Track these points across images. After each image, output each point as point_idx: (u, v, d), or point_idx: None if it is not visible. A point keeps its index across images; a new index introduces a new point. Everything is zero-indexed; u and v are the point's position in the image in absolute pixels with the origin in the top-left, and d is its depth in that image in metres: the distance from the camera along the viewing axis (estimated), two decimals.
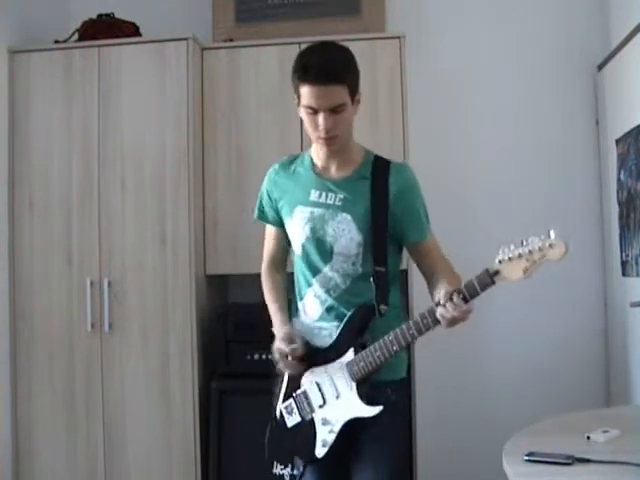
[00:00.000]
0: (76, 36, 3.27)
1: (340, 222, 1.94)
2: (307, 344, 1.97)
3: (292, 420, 2.03)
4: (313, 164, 2.03)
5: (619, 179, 3.02)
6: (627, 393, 3.01)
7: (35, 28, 3.31)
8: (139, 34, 3.28)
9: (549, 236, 1.63)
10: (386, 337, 1.86)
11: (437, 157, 3.38)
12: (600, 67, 3.29)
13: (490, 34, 3.44)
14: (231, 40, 3.28)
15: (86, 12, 3.30)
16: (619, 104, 3.07)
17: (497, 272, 1.69)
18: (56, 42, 3.24)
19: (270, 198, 2.08)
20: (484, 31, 3.44)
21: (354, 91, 1.89)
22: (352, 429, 1.93)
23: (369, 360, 1.88)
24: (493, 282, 1.70)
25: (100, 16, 3.27)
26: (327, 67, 1.83)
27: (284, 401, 2.05)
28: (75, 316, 3.06)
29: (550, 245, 1.63)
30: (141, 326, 3.02)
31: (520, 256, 1.66)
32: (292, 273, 2.09)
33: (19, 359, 3.08)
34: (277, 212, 2.07)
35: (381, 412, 1.88)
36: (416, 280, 2.69)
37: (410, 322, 1.84)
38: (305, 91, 1.85)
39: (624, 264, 2.99)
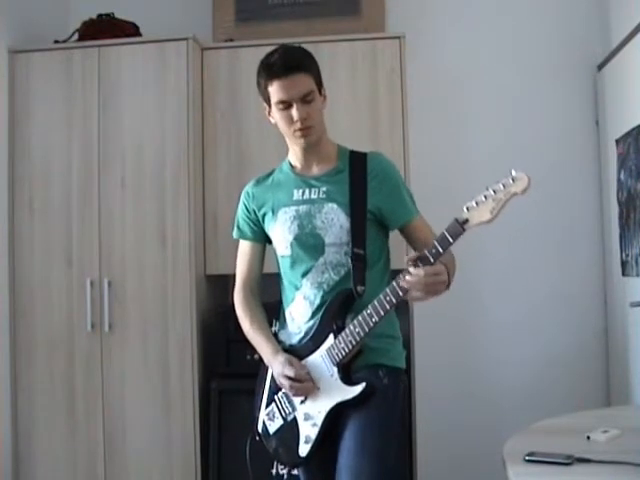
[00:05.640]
0: (76, 36, 3.27)
1: (327, 212, 1.95)
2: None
3: (274, 426, 2.01)
4: (292, 167, 2.06)
5: (619, 179, 3.02)
6: (627, 393, 3.01)
7: (35, 28, 3.31)
8: (139, 34, 3.28)
9: (511, 174, 1.66)
10: (364, 311, 1.84)
11: (437, 157, 3.39)
12: (600, 67, 3.29)
13: (490, 34, 3.44)
14: (231, 40, 3.28)
15: (86, 12, 3.30)
16: (619, 104, 3.07)
17: (466, 220, 1.70)
18: (56, 42, 3.24)
19: (248, 211, 2.09)
20: (484, 31, 3.44)
21: (319, 82, 1.96)
22: (339, 423, 1.89)
23: (349, 339, 1.85)
24: (464, 229, 1.71)
25: (100, 16, 3.26)
26: (290, 59, 1.92)
27: (267, 407, 2.03)
28: (75, 316, 3.05)
29: (513, 180, 1.66)
30: (141, 326, 3.02)
31: (486, 198, 1.68)
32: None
33: (19, 359, 3.07)
34: (257, 223, 2.08)
35: (371, 394, 1.85)
36: None
37: (387, 289, 1.81)
38: (274, 88, 1.91)
39: (624, 264, 2.99)
